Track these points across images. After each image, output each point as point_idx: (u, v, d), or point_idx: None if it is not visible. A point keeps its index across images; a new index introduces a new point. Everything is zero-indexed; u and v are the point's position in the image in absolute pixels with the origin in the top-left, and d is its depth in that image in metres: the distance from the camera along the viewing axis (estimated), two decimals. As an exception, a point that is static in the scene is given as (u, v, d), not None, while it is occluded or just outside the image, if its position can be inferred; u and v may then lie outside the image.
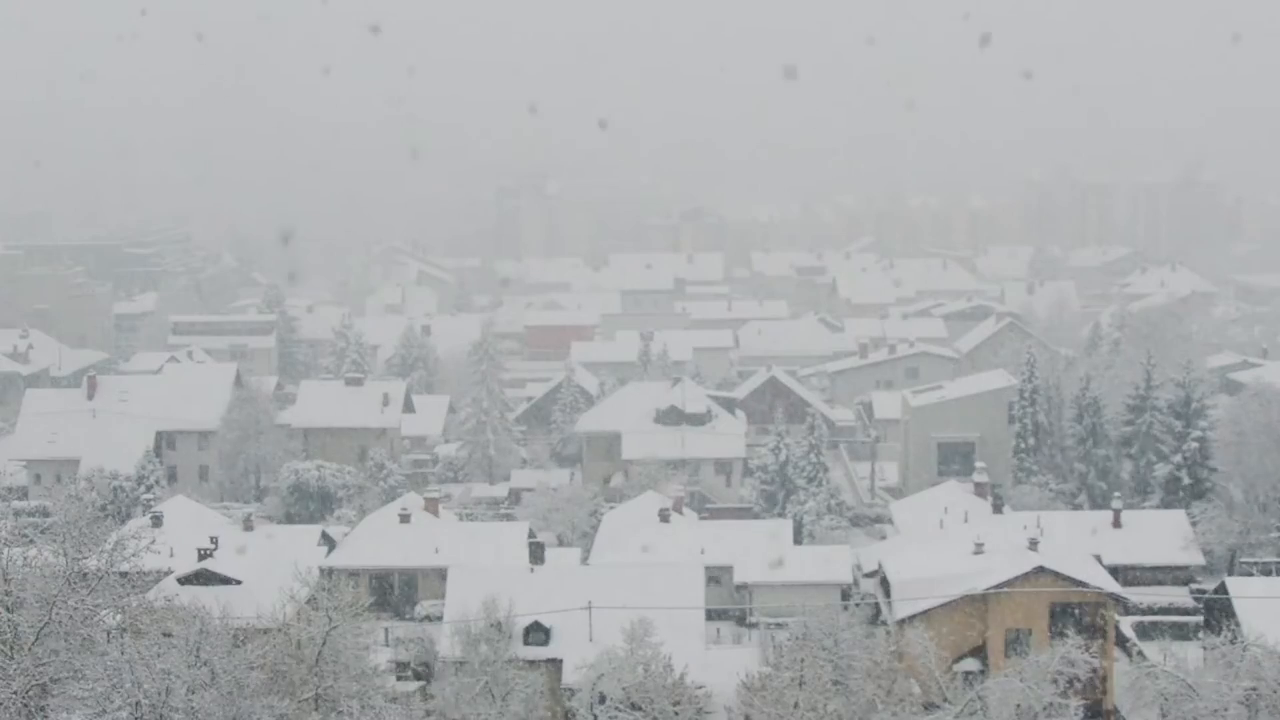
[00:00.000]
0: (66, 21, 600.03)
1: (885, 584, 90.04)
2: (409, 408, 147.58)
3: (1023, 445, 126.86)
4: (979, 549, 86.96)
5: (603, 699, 75.76)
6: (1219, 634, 78.49)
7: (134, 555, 73.81)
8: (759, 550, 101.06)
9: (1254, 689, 73.38)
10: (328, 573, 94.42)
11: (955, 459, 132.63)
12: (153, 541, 76.08)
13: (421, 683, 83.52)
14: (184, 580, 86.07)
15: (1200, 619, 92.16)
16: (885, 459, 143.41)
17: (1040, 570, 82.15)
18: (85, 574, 71.34)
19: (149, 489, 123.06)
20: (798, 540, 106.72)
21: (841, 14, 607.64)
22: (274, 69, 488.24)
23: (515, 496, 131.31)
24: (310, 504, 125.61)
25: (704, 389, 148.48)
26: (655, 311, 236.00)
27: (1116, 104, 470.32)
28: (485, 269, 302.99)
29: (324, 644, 72.47)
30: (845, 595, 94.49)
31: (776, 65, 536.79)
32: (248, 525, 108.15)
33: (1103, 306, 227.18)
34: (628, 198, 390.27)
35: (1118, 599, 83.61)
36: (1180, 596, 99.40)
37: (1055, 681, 73.81)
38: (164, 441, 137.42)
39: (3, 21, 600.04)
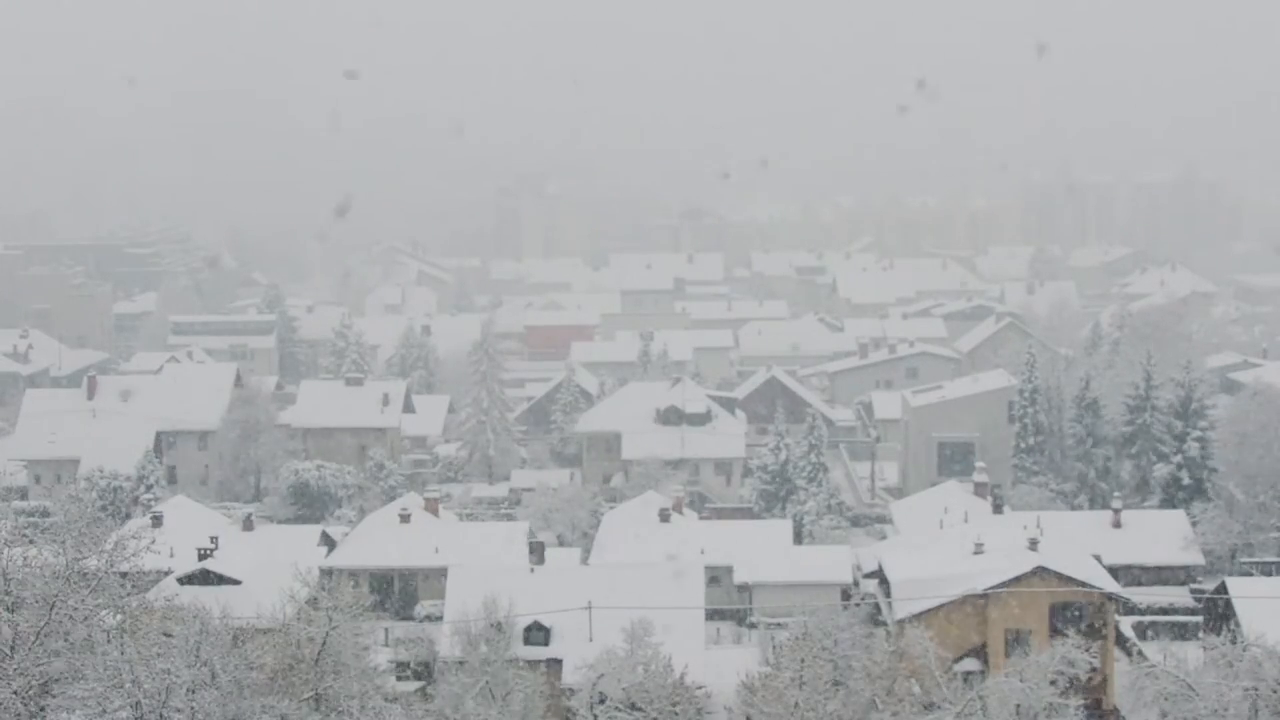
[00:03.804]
0: (66, 21, 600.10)
1: (885, 584, 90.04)
2: (409, 408, 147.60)
3: (1023, 445, 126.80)
4: (979, 549, 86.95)
5: (603, 699, 75.77)
6: (1219, 634, 78.46)
7: (134, 555, 73.77)
8: (759, 550, 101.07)
9: (1254, 689, 73.35)
10: (328, 573, 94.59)
11: (955, 459, 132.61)
12: (153, 541, 76.01)
13: (421, 683, 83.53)
14: (184, 580, 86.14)
15: (1200, 619, 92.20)
16: (885, 459, 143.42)
17: (1040, 570, 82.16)
18: (85, 574, 71.28)
19: (149, 489, 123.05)
20: (798, 540, 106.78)
21: (842, 14, 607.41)
22: (274, 69, 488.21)
23: (515, 496, 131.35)
24: (310, 504, 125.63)
25: (704, 389, 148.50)
26: (655, 311, 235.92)
27: (1116, 104, 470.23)
28: (485, 269, 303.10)
29: (324, 644, 72.44)
30: (845, 595, 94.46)
31: (777, 66, 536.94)
32: (248, 525, 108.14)
33: (1103, 306, 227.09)
34: (628, 198, 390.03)
35: (1118, 599, 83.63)
36: (1180, 596, 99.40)
37: (1055, 681, 73.75)
38: (164, 441, 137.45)
39: (3, 21, 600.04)
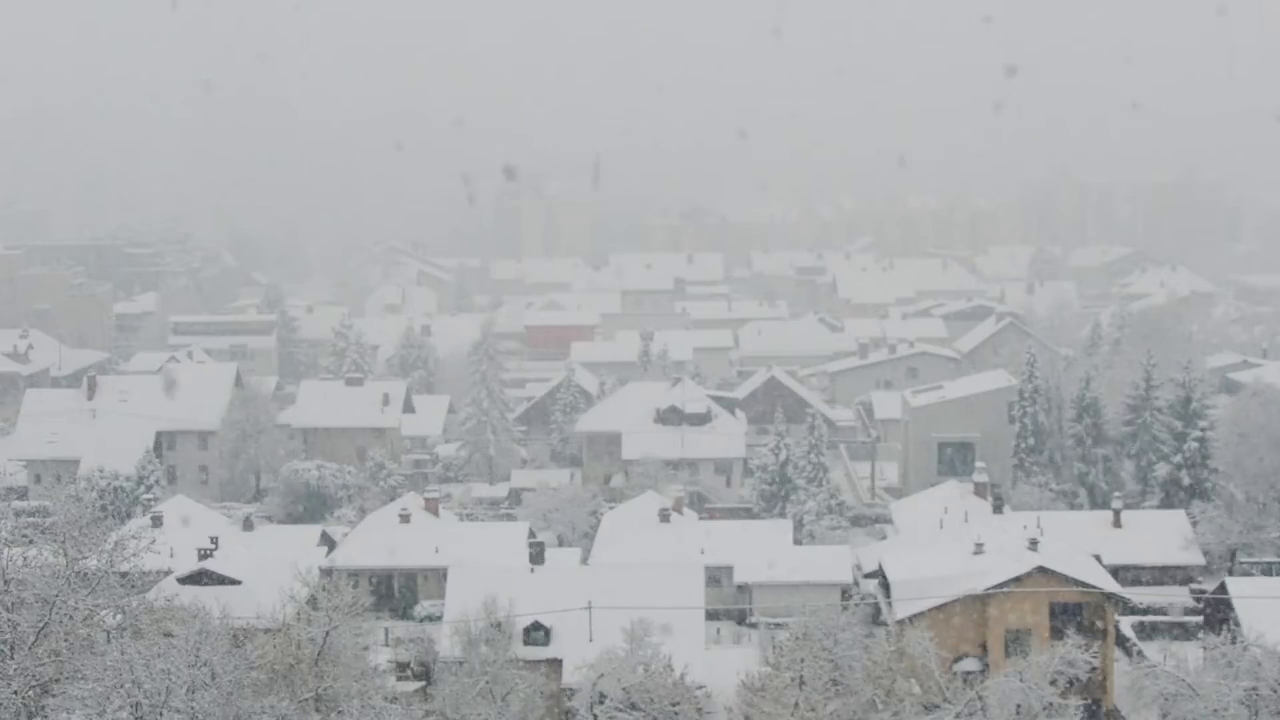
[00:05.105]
0: (68, 22, 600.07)
1: (885, 584, 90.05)
2: (409, 408, 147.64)
3: (1023, 445, 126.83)
4: (979, 549, 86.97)
5: (603, 699, 75.76)
6: (1219, 634, 78.49)
7: (134, 555, 73.82)
8: (759, 550, 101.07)
9: (1254, 689, 73.38)
10: (328, 573, 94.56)
11: (955, 459, 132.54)
12: (153, 541, 76.06)
13: (421, 683, 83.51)
14: (184, 580, 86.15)
15: (1200, 619, 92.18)
16: (885, 459, 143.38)
17: (1040, 570, 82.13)
18: (85, 574, 71.35)
19: (149, 489, 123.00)
20: (798, 540, 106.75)
21: (841, 14, 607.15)
22: (274, 68, 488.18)
23: (515, 496, 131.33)
24: (310, 504, 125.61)
25: (704, 389, 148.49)
26: (655, 311, 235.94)
27: (1116, 104, 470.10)
28: (485, 269, 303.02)
29: (324, 644, 72.46)
30: (845, 595, 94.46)
31: (777, 64, 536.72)
32: (248, 525, 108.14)
33: (1103, 306, 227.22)
34: (628, 198, 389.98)
35: (1118, 599, 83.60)
36: (1180, 596, 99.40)
37: (1055, 681, 73.78)
38: (164, 441, 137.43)
39: (4, 21, 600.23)
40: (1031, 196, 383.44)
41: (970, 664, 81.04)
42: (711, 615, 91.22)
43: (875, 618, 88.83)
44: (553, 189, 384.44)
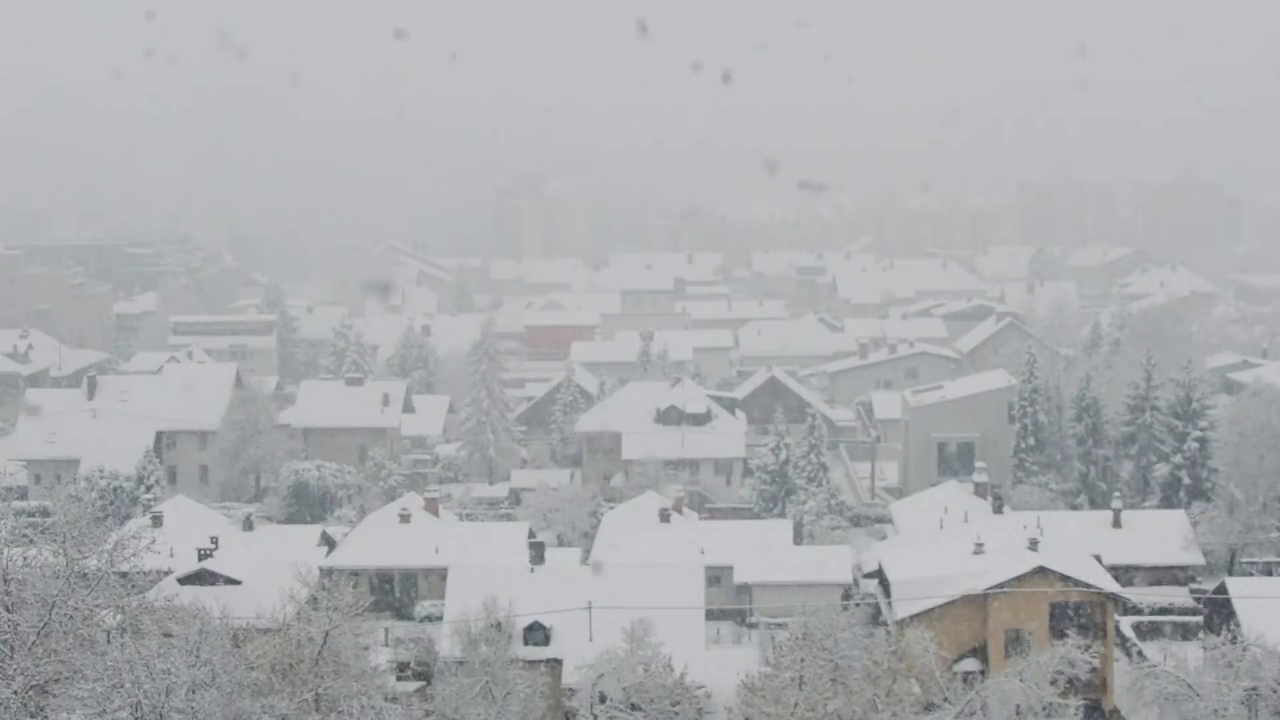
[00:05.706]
0: (67, 22, 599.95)
1: (885, 584, 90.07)
2: (409, 408, 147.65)
3: (1023, 445, 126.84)
4: (979, 549, 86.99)
5: (603, 699, 75.79)
6: (1219, 634, 78.50)
7: (134, 555, 73.80)
8: (759, 550, 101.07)
9: (1254, 689, 73.42)
10: (328, 573, 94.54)
11: (955, 459, 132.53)
12: (153, 541, 76.03)
13: (421, 683, 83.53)
14: (184, 580, 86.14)
15: (1200, 619, 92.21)
16: (885, 459, 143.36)
17: (1040, 570, 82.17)
18: (85, 574, 71.31)
19: (149, 489, 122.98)
20: (798, 540, 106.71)
21: (839, 14, 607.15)
22: (275, 69, 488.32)
23: (515, 496, 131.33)
24: (310, 504, 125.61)
25: (704, 389, 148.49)
26: (655, 311, 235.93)
27: (1116, 104, 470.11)
28: (485, 269, 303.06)
29: (324, 644, 72.43)
30: (845, 595, 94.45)
31: (777, 65, 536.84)
32: (248, 525, 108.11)
33: (1103, 306, 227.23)
34: (628, 198, 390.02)
35: (1118, 599, 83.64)
36: (1180, 596, 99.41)
37: (1055, 681, 73.81)
38: (164, 441, 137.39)
39: (5, 21, 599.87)
40: (1031, 196, 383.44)
41: (970, 664, 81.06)
42: (711, 615, 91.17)
43: (875, 618, 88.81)
44: (553, 189, 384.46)
